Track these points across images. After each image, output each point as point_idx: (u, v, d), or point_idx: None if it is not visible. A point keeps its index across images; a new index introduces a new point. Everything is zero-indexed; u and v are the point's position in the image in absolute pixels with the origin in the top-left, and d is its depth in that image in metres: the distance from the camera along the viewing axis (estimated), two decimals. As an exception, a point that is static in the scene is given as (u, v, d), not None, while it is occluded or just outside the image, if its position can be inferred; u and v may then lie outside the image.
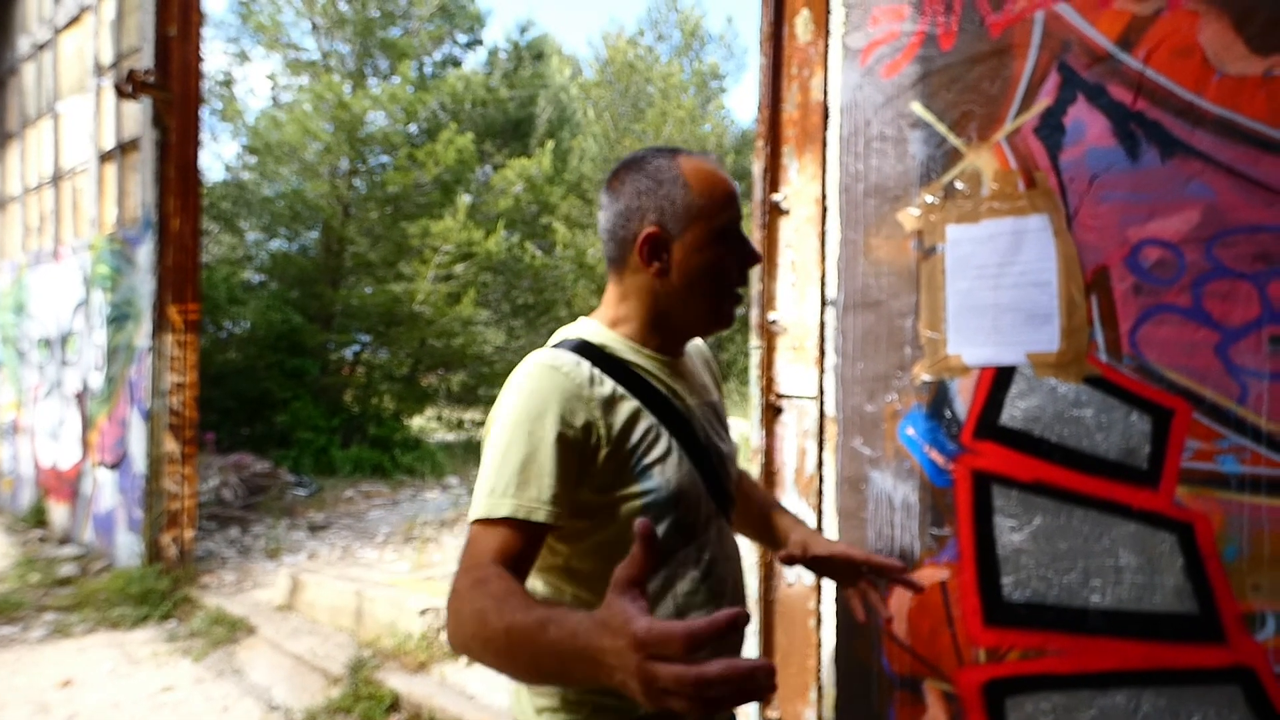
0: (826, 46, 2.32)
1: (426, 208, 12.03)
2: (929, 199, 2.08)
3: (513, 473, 1.08)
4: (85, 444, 6.05)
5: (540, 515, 1.06)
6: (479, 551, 1.04)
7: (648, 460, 1.17)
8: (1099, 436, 1.82)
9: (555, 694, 1.20)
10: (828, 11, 2.31)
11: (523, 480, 1.07)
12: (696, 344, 1.49)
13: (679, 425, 1.22)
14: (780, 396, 2.41)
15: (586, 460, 1.13)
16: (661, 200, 1.21)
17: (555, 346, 1.25)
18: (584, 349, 1.22)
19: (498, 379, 13.60)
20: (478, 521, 1.07)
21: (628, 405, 1.18)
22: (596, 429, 1.14)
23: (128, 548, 5.29)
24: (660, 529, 1.17)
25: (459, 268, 11.97)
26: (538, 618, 0.87)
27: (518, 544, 1.05)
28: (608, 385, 1.18)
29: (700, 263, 1.22)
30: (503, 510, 1.06)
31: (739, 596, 1.32)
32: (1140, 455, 1.77)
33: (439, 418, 14.17)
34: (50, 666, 3.90)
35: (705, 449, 1.27)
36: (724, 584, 1.27)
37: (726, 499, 1.33)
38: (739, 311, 1.31)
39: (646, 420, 1.19)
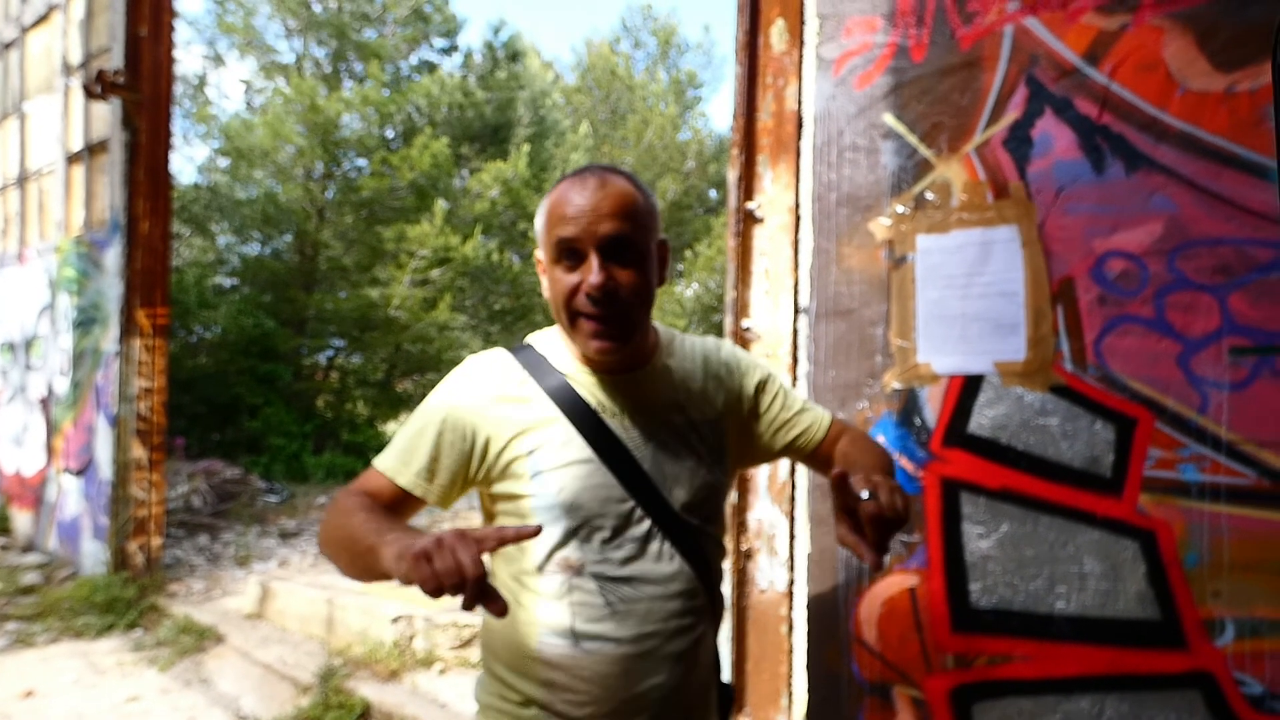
0: (801, 57, 2.34)
1: (402, 212, 11.96)
2: (900, 209, 2.10)
3: (404, 440, 1.26)
4: (50, 450, 5.94)
5: (403, 480, 1.23)
6: (360, 485, 1.25)
7: (543, 465, 1.21)
8: (1064, 445, 1.84)
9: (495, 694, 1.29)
10: (802, 22, 2.33)
11: (407, 449, 1.25)
12: (708, 356, 1.36)
13: (600, 439, 1.23)
14: (753, 404, 2.42)
15: (475, 452, 1.24)
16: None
17: (511, 348, 1.33)
18: (526, 353, 1.30)
19: (474, 385, 13.50)
20: (372, 468, 1.27)
21: (538, 410, 1.23)
22: (490, 426, 1.23)
23: (93, 556, 5.20)
24: (552, 532, 1.22)
25: (435, 273, 11.91)
26: (378, 517, 1.12)
27: (388, 495, 1.24)
28: (526, 389, 1.25)
29: (546, 286, 1.26)
30: (383, 465, 1.25)
31: (656, 620, 1.22)
32: (1104, 463, 1.80)
33: (414, 423, 14.06)
34: (12, 677, 3.82)
35: (634, 467, 1.23)
36: (634, 604, 1.21)
37: (671, 519, 1.24)
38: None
39: (556, 428, 1.22)
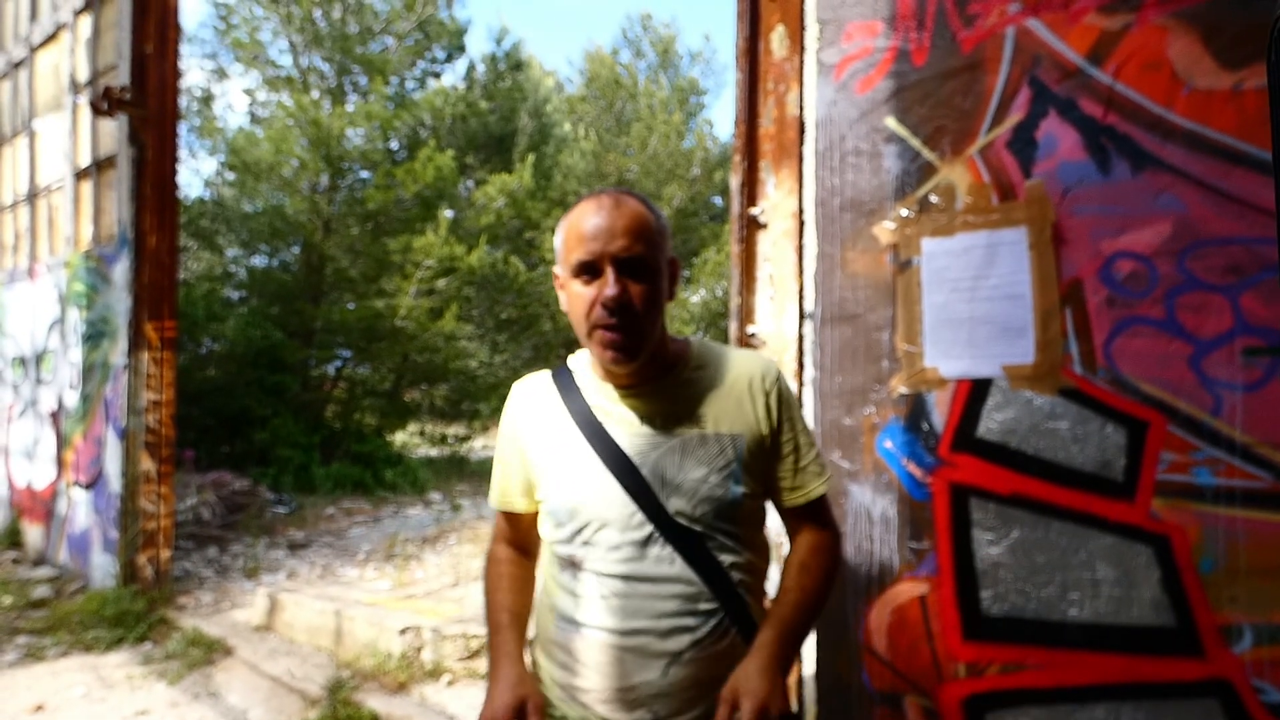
0: (802, 62, 2.33)
1: (408, 223, 11.97)
2: (904, 213, 2.08)
3: (494, 474, 1.52)
4: (60, 463, 5.96)
5: (504, 507, 1.50)
6: (495, 527, 1.56)
7: (555, 472, 1.38)
8: (1075, 449, 1.82)
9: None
10: (802, 28, 2.32)
11: (496, 480, 1.52)
12: (747, 374, 1.38)
13: (606, 449, 1.33)
14: (759, 411, 2.40)
15: (524, 464, 1.45)
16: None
17: (554, 369, 1.49)
18: (562, 372, 1.45)
19: (481, 394, 13.53)
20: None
21: (554, 422, 1.39)
22: (526, 441, 1.44)
23: (103, 569, 5.21)
24: (562, 531, 1.37)
25: (441, 283, 11.92)
26: (495, 621, 1.47)
27: (505, 524, 1.53)
28: (552, 406, 1.41)
29: (565, 301, 1.35)
30: (491, 502, 1.52)
31: (647, 616, 1.29)
32: (1116, 467, 1.77)
33: (422, 433, 14.05)
34: (22, 691, 3.82)
35: (636, 474, 1.31)
36: (627, 599, 1.29)
37: (670, 524, 1.30)
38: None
39: (568, 437, 1.37)
